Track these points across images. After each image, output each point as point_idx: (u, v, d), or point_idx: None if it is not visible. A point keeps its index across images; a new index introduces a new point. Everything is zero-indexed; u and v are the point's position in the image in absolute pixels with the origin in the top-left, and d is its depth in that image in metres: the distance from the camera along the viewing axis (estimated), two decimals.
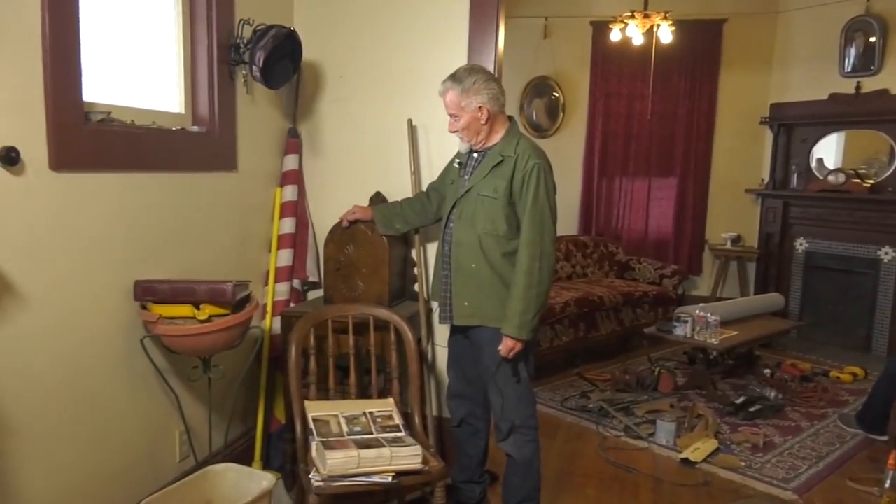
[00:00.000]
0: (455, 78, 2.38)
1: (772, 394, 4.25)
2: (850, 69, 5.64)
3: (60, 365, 1.99)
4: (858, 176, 5.60)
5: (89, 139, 2.01)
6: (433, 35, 2.93)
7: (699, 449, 3.40)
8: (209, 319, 2.22)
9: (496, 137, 2.42)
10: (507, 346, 2.33)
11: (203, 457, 2.55)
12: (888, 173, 5.48)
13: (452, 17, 2.88)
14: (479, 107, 2.35)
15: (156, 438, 2.42)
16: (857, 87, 5.57)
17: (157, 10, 2.47)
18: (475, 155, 2.47)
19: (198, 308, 2.22)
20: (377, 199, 2.94)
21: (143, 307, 2.22)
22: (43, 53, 1.83)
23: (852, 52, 5.61)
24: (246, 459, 2.82)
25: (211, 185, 2.63)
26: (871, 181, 5.55)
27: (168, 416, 2.45)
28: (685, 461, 3.34)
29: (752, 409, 3.97)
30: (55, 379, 1.97)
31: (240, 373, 2.59)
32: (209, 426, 2.50)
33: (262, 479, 2.23)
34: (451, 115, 2.40)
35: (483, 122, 2.37)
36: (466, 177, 2.46)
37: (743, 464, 3.35)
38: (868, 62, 5.51)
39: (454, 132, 2.43)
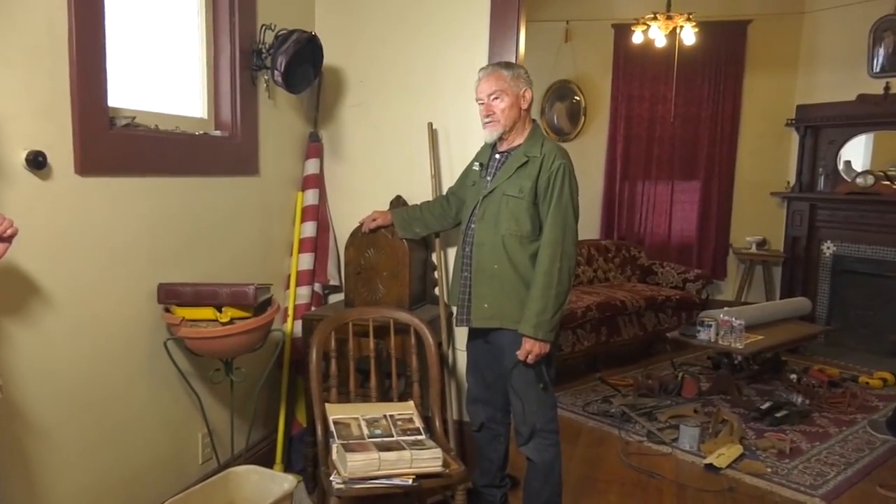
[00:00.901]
0: (501, 64, 2.43)
1: (799, 399, 4.18)
2: (878, 69, 5.54)
3: (85, 367, 2.02)
4: (888, 178, 5.49)
5: (114, 144, 2.04)
6: (453, 39, 2.93)
7: (724, 454, 3.35)
8: (231, 322, 2.24)
9: (520, 138, 2.42)
10: (525, 349, 2.32)
11: (225, 459, 2.57)
12: None
13: (473, 21, 2.88)
14: (525, 91, 2.38)
15: (179, 440, 2.45)
16: (887, 88, 5.46)
17: (180, 16, 2.50)
18: (497, 156, 2.46)
19: (220, 311, 2.24)
20: (397, 202, 2.95)
21: (167, 310, 2.25)
22: (69, 60, 1.86)
23: (881, 52, 5.51)
24: (267, 462, 2.83)
25: (233, 190, 2.65)
26: None
27: (191, 418, 2.48)
28: (709, 467, 3.29)
29: (778, 415, 3.90)
30: (80, 381, 2.00)
31: (261, 375, 2.61)
32: (231, 428, 2.52)
33: (283, 482, 2.24)
34: (491, 97, 2.36)
35: (524, 107, 2.39)
36: (489, 178, 2.45)
37: (769, 470, 3.29)
38: None
39: (489, 116, 2.38)
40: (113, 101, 2.07)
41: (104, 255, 2.05)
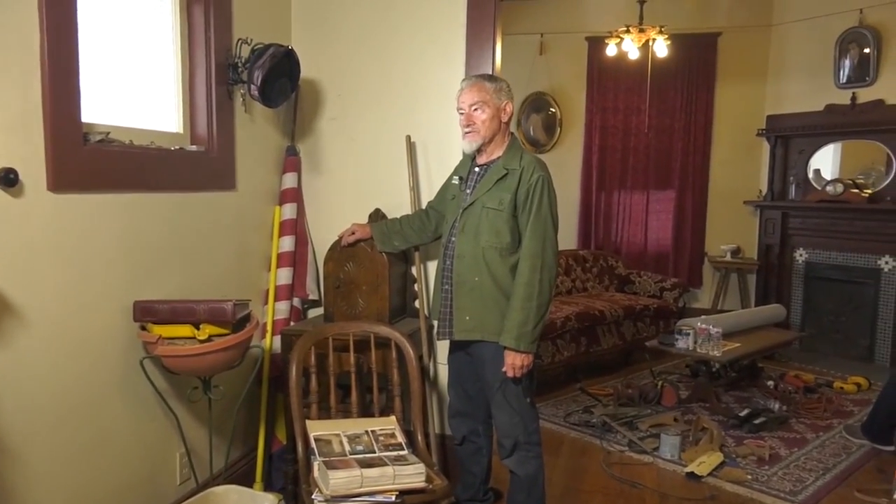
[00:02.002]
0: (484, 76, 2.46)
1: (776, 406, 4.23)
2: (845, 80, 5.67)
3: (58, 386, 1.97)
4: (857, 186, 5.61)
5: (88, 160, 2.01)
6: (430, 52, 2.95)
7: (704, 462, 3.37)
8: (209, 339, 2.21)
9: (499, 151, 2.43)
10: (508, 362, 2.31)
11: (204, 479, 2.52)
12: (886, 183, 5.49)
13: (450, 35, 2.90)
14: (506, 104, 2.40)
15: (156, 460, 2.40)
16: (853, 98, 5.60)
17: (155, 30, 2.47)
18: (477, 169, 2.47)
19: (198, 328, 2.21)
20: (376, 215, 2.94)
21: (143, 328, 2.21)
22: (41, 74, 1.83)
23: (847, 63, 5.65)
24: (247, 481, 2.79)
25: (210, 205, 2.62)
26: (870, 191, 5.56)
27: (168, 437, 2.43)
28: (691, 475, 3.31)
29: (756, 422, 3.94)
30: (54, 400, 1.95)
31: (240, 393, 2.57)
32: (210, 447, 2.48)
33: (263, 501, 2.21)
34: (472, 108, 2.37)
35: (504, 120, 2.41)
36: (468, 191, 2.45)
37: (749, 477, 3.32)
38: (863, 73, 5.54)
39: (469, 126, 2.39)
40: (86, 116, 2.03)
41: (78, 272, 2.01)
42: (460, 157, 2.70)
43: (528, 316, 2.28)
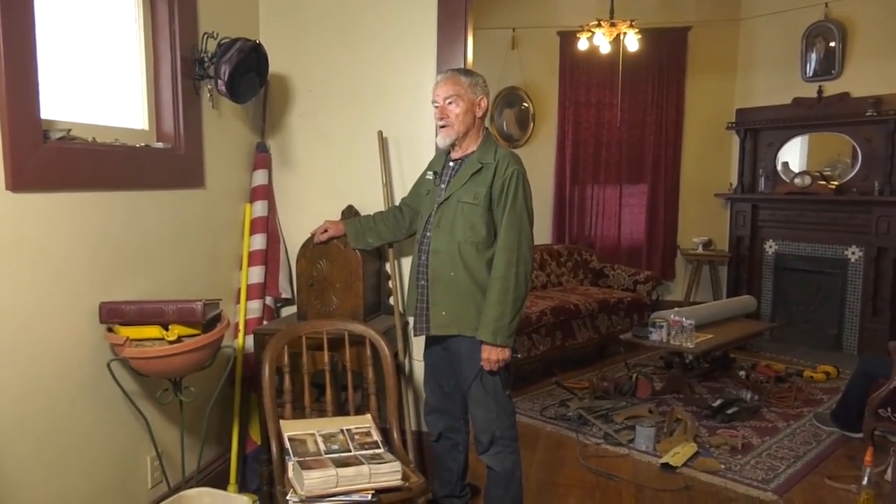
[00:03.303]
0: (460, 70, 2.45)
1: (748, 395, 4.28)
2: (811, 74, 5.77)
3: (21, 392, 1.91)
4: (824, 178, 5.71)
5: (49, 158, 1.95)
6: (401, 47, 2.92)
7: (679, 453, 3.40)
8: (179, 340, 2.17)
9: (473, 145, 2.42)
10: (485, 356, 2.31)
11: (176, 482, 2.48)
12: (852, 174, 5.60)
13: (420, 29, 2.88)
14: (481, 99, 2.39)
15: (126, 465, 2.35)
16: (820, 91, 5.69)
17: (117, 24, 2.41)
18: (451, 164, 2.46)
19: (166, 329, 2.17)
20: (349, 212, 2.91)
21: (110, 329, 2.16)
22: None
23: (813, 57, 5.74)
24: (221, 483, 2.75)
25: (178, 203, 2.57)
26: (836, 182, 5.66)
27: (138, 441, 2.38)
28: (665, 466, 3.34)
29: (729, 412, 3.99)
30: (16, 406, 1.90)
31: (212, 394, 2.53)
32: (182, 450, 2.43)
33: (238, 503, 2.17)
34: (447, 101, 2.36)
35: (479, 115, 2.40)
36: (443, 186, 2.44)
37: (723, 466, 3.36)
38: (829, 66, 5.64)
39: (443, 119, 2.37)
40: (46, 113, 1.97)
41: (40, 274, 1.95)
42: (433, 153, 2.67)
43: (504, 310, 2.28)
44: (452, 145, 2.43)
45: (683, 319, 4.28)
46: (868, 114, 5.30)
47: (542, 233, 6.68)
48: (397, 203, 2.83)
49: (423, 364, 2.66)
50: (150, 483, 2.45)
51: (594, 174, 6.82)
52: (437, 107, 2.39)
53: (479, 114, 2.40)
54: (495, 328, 2.28)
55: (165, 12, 2.48)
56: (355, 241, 2.70)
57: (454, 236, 2.35)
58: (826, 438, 3.75)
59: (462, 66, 2.75)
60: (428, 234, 2.43)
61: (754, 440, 3.71)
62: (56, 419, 2.04)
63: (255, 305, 2.94)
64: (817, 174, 5.73)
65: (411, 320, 2.54)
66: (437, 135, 2.44)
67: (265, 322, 2.95)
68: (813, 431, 3.85)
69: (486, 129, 2.48)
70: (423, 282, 2.45)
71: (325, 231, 2.72)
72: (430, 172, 2.54)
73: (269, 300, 3.01)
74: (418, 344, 2.82)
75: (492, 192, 2.33)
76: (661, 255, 6.70)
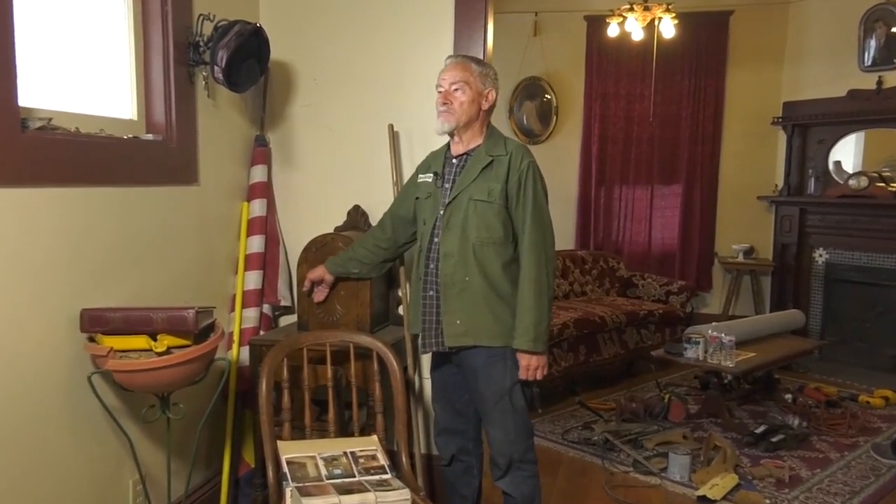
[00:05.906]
0: (470, 57, 2.47)
1: (795, 421, 4.23)
2: (870, 63, 5.71)
3: None
4: (882, 179, 5.64)
5: (27, 149, 1.96)
6: (416, 33, 2.93)
7: (718, 485, 3.36)
8: (168, 352, 2.17)
9: (477, 139, 2.42)
10: (523, 365, 2.35)
11: None
12: None
13: (437, 13, 2.89)
14: (490, 92, 2.41)
15: (106, 489, 2.35)
16: (879, 83, 5.64)
17: (104, 4, 2.43)
18: (455, 161, 2.45)
19: (154, 339, 2.17)
20: (355, 212, 2.94)
21: (91, 339, 2.16)
22: None
23: (872, 44, 5.68)
24: None
25: (168, 201, 2.58)
26: None
27: (120, 462, 2.38)
28: (703, 499, 3.30)
29: (774, 440, 3.94)
30: None
31: (203, 411, 2.53)
32: (168, 473, 2.43)
33: None
34: (453, 86, 2.37)
35: (485, 108, 2.41)
36: (448, 185, 2.43)
37: (768, 501, 3.32)
38: (890, 55, 5.58)
39: (446, 104, 2.37)
40: (25, 100, 1.98)
41: (14, 277, 1.95)
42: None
43: (541, 314, 2.32)
44: (452, 138, 2.44)
45: (722, 335, 4.24)
46: None
47: (565, 237, 6.67)
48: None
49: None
50: None
51: (623, 174, 6.79)
52: (440, 91, 2.40)
53: (486, 106, 2.41)
54: (535, 334, 2.31)
55: None
56: (343, 275, 2.71)
57: (467, 238, 2.35)
58: (886, 472, 3.69)
59: (480, 55, 2.76)
60: (436, 238, 2.43)
61: (803, 472, 3.66)
62: (29, 438, 2.03)
63: (252, 314, 2.95)
64: (875, 175, 5.66)
65: (420, 336, 2.52)
66: (437, 119, 2.42)
67: (262, 332, 2.97)
68: (871, 464, 3.80)
69: (491, 124, 2.48)
70: (431, 292, 2.43)
71: (313, 283, 2.73)
72: (429, 174, 2.53)
73: (266, 308, 3.03)
74: (428, 358, 2.81)
75: (507, 187, 2.33)
76: (697, 264, 6.66)
